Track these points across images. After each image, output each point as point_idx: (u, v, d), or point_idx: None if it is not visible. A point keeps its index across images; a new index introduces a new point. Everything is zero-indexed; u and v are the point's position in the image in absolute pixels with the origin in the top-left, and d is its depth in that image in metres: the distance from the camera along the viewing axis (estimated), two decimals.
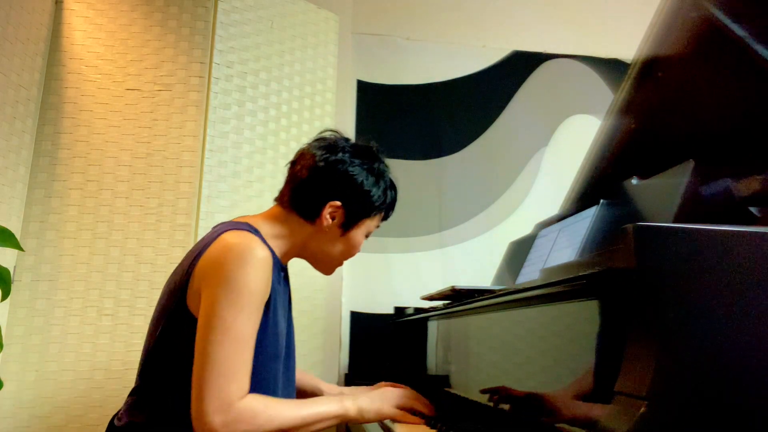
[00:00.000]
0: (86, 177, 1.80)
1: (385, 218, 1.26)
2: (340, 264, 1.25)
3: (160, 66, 1.86)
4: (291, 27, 2.11)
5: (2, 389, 1.60)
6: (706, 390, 0.63)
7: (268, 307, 1.07)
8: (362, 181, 1.16)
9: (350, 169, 1.16)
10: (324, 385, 1.44)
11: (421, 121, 2.48)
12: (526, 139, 2.54)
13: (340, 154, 1.17)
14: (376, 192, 1.18)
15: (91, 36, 1.88)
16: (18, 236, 1.60)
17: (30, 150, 1.79)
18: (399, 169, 2.40)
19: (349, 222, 1.17)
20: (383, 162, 1.24)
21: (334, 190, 1.15)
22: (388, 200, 1.22)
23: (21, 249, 1.55)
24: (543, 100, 2.57)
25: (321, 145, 1.19)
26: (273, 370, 1.11)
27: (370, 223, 1.21)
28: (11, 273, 1.60)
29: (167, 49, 1.87)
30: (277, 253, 1.17)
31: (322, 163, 1.16)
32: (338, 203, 1.15)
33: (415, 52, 2.51)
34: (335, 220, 1.16)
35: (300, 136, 2.08)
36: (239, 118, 1.92)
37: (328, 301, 2.19)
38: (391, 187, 1.24)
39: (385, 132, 2.45)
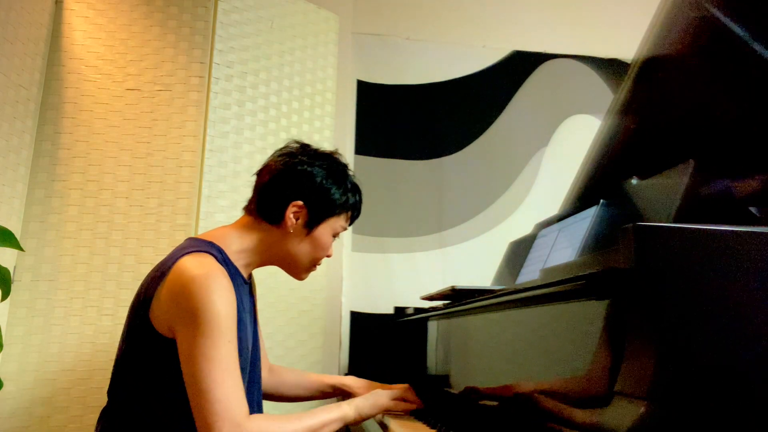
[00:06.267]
0: (86, 177, 1.80)
1: (352, 220, 1.29)
2: (311, 267, 1.27)
3: (160, 66, 1.86)
4: (291, 27, 2.11)
5: (2, 389, 1.60)
6: (705, 390, 0.63)
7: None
8: (321, 179, 1.20)
9: (308, 168, 1.20)
10: (328, 379, 1.49)
11: (421, 121, 2.48)
12: (526, 139, 2.54)
13: (299, 157, 1.21)
14: (336, 190, 1.21)
15: (91, 36, 1.88)
16: (18, 236, 1.61)
17: (30, 150, 1.79)
18: (399, 169, 2.44)
19: (312, 221, 1.20)
20: (346, 165, 1.27)
21: (294, 190, 1.19)
22: (351, 200, 1.25)
23: (21, 249, 1.55)
24: (543, 100, 2.57)
25: (282, 152, 1.24)
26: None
27: (335, 223, 1.23)
28: (11, 273, 1.60)
29: (167, 49, 1.87)
30: (243, 265, 1.20)
31: (282, 166, 1.20)
32: (300, 202, 1.18)
33: (415, 52, 2.51)
34: (299, 221, 1.19)
35: (300, 137, 2.08)
36: (239, 118, 1.92)
37: (328, 301, 2.19)
38: (354, 188, 1.27)
39: (385, 132, 2.45)
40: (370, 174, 2.40)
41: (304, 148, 1.24)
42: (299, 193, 1.18)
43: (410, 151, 2.45)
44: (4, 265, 1.48)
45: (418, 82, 2.50)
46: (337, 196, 1.21)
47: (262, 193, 1.21)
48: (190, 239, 1.17)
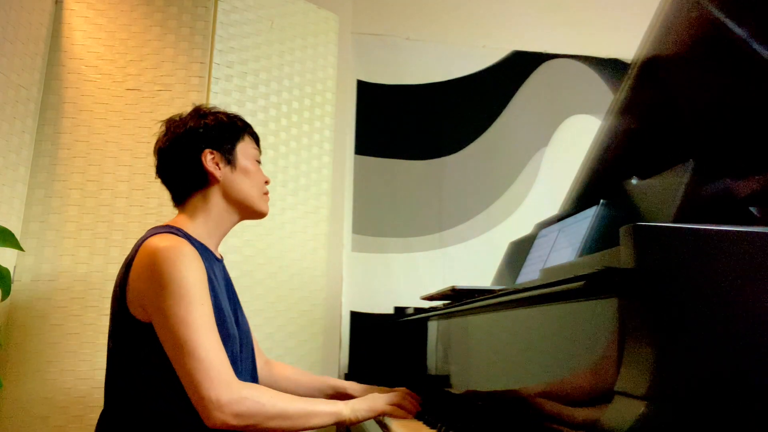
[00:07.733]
0: (86, 177, 1.80)
1: (254, 138, 1.31)
2: (263, 196, 1.28)
3: (160, 66, 1.86)
4: (291, 27, 2.11)
5: (2, 390, 1.60)
6: (705, 390, 0.63)
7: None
8: (203, 127, 1.23)
9: (186, 129, 1.23)
10: (330, 380, 1.48)
11: (421, 121, 2.48)
12: (526, 139, 2.54)
13: (174, 126, 1.24)
14: (219, 123, 1.25)
15: (91, 36, 1.88)
16: (18, 236, 1.60)
17: (30, 150, 1.79)
18: (399, 169, 2.44)
19: (227, 155, 1.23)
20: (213, 108, 1.30)
21: (194, 148, 1.21)
22: (238, 125, 1.28)
23: (21, 249, 1.55)
24: (543, 100, 2.57)
25: (160, 137, 1.26)
26: (229, 351, 1.14)
27: (245, 149, 1.27)
28: (11, 273, 1.60)
29: (167, 49, 1.87)
30: (207, 238, 1.22)
31: (168, 144, 1.23)
32: (207, 150, 1.21)
33: (415, 52, 2.51)
34: (220, 164, 1.22)
35: (300, 137, 2.08)
36: None
37: (328, 301, 2.19)
38: (232, 116, 1.29)
39: (385, 132, 2.45)
40: (370, 174, 2.40)
41: (171, 121, 1.26)
42: (199, 146, 1.21)
43: (410, 151, 2.45)
44: (4, 265, 1.48)
45: (418, 82, 2.50)
46: (225, 127, 1.25)
47: (174, 177, 1.24)
48: (150, 229, 1.20)
